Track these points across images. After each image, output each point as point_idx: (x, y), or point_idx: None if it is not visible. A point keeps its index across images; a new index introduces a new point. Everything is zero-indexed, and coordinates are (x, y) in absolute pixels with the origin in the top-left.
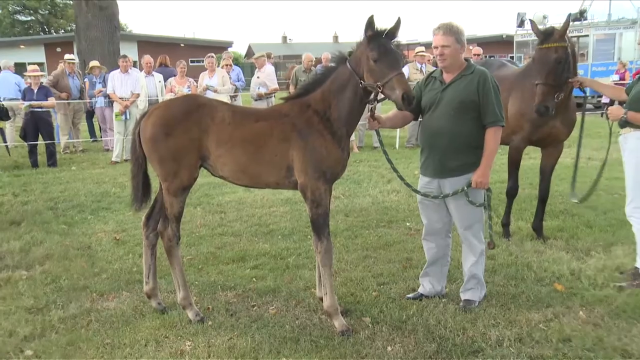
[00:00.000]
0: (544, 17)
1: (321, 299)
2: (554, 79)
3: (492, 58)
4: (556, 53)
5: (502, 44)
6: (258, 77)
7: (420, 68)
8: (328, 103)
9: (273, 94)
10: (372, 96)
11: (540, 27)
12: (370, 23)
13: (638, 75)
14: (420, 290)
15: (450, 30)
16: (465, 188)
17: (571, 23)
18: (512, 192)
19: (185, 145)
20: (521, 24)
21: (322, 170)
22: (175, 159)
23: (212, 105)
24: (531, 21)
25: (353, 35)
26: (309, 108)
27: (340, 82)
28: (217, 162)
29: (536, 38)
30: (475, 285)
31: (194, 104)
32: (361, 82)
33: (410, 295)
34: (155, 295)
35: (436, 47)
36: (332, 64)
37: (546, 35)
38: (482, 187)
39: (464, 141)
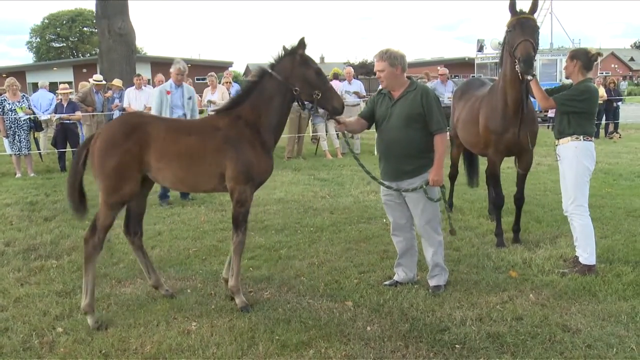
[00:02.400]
0: (499, 44)
1: (226, 281)
2: (532, 38)
3: (476, 77)
4: (534, 22)
5: (465, 65)
6: None
7: None
8: (258, 113)
9: None
10: (311, 105)
11: (496, 52)
12: (304, 43)
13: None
14: (395, 277)
15: (383, 56)
16: (424, 186)
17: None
18: (498, 203)
19: (127, 163)
20: (480, 48)
21: (252, 177)
22: (118, 175)
23: (149, 123)
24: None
25: (337, 56)
26: (239, 119)
27: (269, 92)
28: (157, 174)
29: (505, 30)
30: (440, 272)
31: (131, 125)
32: (295, 90)
33: (387, 282)
34: (161, 285)
35: (375, 72)
36: (255, 78)
37: (521, 11)
38: (438, 184)
39: (415, 147)
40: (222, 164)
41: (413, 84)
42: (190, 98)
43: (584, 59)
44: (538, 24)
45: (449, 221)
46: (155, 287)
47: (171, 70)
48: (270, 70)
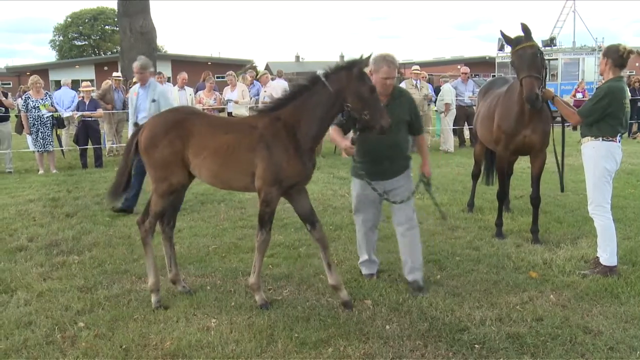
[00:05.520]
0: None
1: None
2: (536, 71)
3: (499, 76)
4: (531, 49)
5: (486, 64)
6: (265, 91)
7: (416, 84)
8: (298, 118)
9: None
10: (357, 124)
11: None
12: (367, 61)
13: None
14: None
15: (395, 63)
16: (422, 184)
17: (543, 48)
18: (501, 197)
19: (170, 156)
20: (502, 47)
21: (279, 180)
22: (164, 167)
23: (190, 120)
24: (502, 32)
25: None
26: (278, 121)
27: (316, 100)
28: (195, 169)
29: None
30: (421, 267)
31: (172, 120)
32: (347, 106)
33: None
34: (179, 281)
35: (387, 78)
36: (306, 83)
37: (517, 41)
38: (430, 175)
39: (403, 149)
40: (253, 162)
41: (395, 89)
42: (154, 101)
43: (614, 56)
44: (538, 44)
45: (438, 208)
46: (173, 282)
47: None
48: (323, 79)
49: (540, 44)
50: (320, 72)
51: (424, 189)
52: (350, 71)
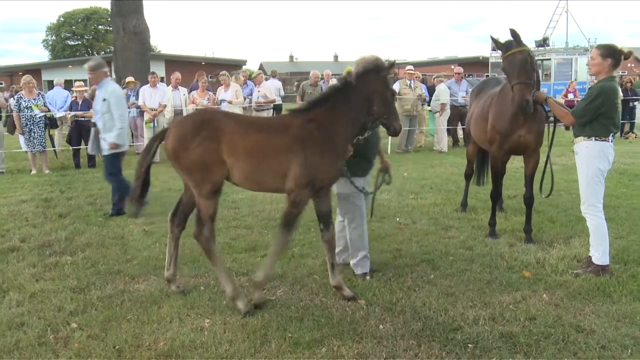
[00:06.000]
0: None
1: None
2: (526, 77)
3: (492, 77)
4: (521, 55)
5: (479, 64)
6: (259, 91)
7: (410, 84)
8: (331, 120)
9: (271, 104)
10: (370, 124)
11: None
12: (393, 65)
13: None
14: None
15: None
16: (382, 180)
17: (536, 48)
18: (494, 196)
19: (205, 154)
20: (495, 48)
21: (312, 182)
22: (201, 167)
23: (219, 119)
24: (492, 38)
25: (351, 55)
26: (312, 122)
27: (349, 103)
28: (230, 171)
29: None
30: (367, 254)
31: (200, 120)
32: (373, 109)
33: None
34: (174, 281)
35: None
36: (339, 85)
37: (507, 46)
38: (390, 167)
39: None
40: (287, 164)
41: None
42: (105, 100)
43: (617, 57)
44: (529, 47)
45: (372, 203)
46: (168, 280)
47: None
48: (354, 83)
49: (533, 45)
50: (350, 75)
51: (384, 181)
52: (379, 75)
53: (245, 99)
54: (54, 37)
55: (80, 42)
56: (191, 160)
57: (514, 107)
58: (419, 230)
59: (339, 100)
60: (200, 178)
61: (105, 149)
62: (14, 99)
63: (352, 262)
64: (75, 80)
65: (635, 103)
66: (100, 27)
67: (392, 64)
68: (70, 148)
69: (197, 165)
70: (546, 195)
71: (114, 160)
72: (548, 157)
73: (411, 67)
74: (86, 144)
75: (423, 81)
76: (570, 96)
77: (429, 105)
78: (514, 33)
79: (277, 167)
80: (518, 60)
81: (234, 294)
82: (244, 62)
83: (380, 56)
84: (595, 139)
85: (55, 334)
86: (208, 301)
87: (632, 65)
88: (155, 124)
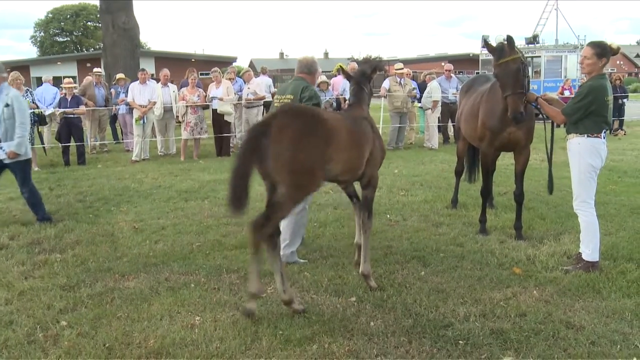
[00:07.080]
0: (504, 40)
1: (357, 264)
2: (520, 87)
3: (481, 73)
4: (514, 64)
5: (470, 61)
6: (249, 88)
7: (399, 81)
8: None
9: (261, 101)
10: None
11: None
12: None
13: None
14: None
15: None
16: None
17: (526, 45)
18: (485, 193)
19: (315, 157)
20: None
21: (380, 164)
22: (307, 172)
23: (325, 119)
24: (485, 41)
25: (341, 52)
26: (365, 112)
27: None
28: (333, 166)
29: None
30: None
31: (314, 120)
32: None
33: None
34: (294, 300)
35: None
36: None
37: (500, 52)
38: None
39: None
40: (368, 150)
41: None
42: (8, 105)
43: (609, 56)
44: (522, 55)
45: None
46: (288, 303)
47: None
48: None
49: (523, 42)
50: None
51: None
52: (375, 73)
53: (235, 94)
54: (42, 34)
55: (69, 39)
56: (300, 162)
57: (503, 103)
58: (409, 227)
59: (365, 93)
60: (301, 183)
61: (3, 157)
62: None
63: (289, 251)
64: (65, 77)
65: (625, 100)
66: (89, 23)
67: (382, 61)
68: (60, 145)
69: (303, 169)
70: (551, 192)
71: (27, 167)
72: (550, 156)
73: (400, 64)
74: (76, 141)
75: (413, 78)
76: (567, 93)
77: (419, 102)
78: (509, 40)
79: (365, 155)
80: (511, 71)
81: (253, 296)
82: (234, 59)
83: (370, 53)
84: (587, 136)
85: (45, 332)
86: (198, 298)
87: (621, 62)
88: (145, 121)
